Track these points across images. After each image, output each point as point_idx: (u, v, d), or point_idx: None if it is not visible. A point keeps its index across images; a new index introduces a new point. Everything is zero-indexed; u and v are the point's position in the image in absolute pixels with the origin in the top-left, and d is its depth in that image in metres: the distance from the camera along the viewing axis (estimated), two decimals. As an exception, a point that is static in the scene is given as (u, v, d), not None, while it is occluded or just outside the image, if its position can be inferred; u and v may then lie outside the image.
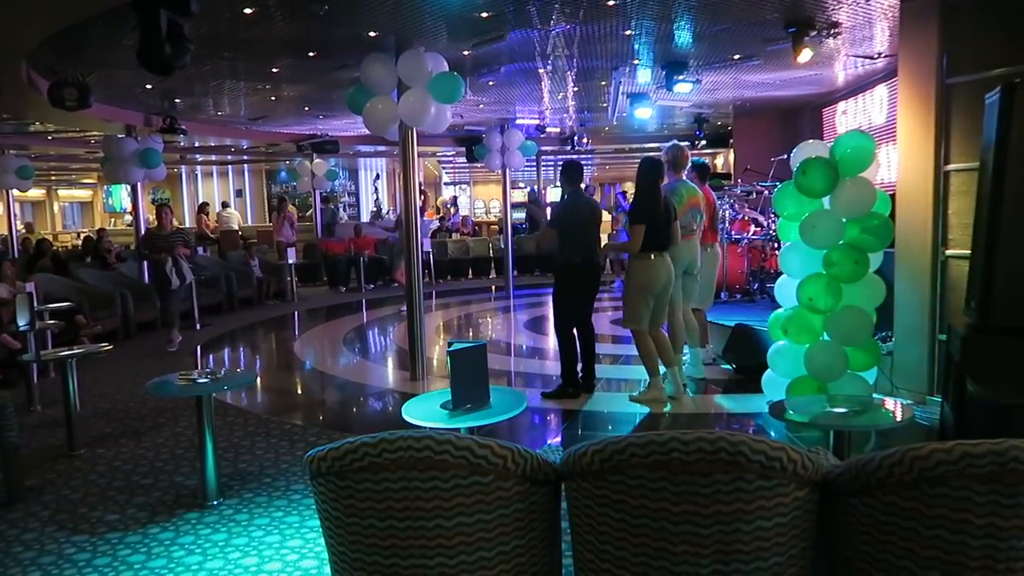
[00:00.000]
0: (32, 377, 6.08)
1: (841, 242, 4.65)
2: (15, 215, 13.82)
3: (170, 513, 3.88)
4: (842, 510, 1.76)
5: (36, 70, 7.50)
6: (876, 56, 7.95)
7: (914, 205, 5.22)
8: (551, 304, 5.98)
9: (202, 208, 17.62)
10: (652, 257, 5.26)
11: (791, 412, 3.23)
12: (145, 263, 9.87)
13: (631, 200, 5.52)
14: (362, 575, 1.98)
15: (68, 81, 7.30)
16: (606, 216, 14.76)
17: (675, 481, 1.71)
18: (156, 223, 9.27)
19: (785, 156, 6.24)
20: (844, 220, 4.66)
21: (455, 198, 20.55)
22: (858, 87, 9.82)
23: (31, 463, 4.65)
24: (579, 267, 5.69)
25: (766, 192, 9.04)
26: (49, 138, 13.76)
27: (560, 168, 6.12)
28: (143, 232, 9.83)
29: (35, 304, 6.04)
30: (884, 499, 1.66)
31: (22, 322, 5.79)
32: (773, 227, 8.17)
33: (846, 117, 10.38)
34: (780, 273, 5.18)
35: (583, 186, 6.26)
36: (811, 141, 5.13)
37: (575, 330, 5.80)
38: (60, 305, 7.47)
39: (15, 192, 13.25)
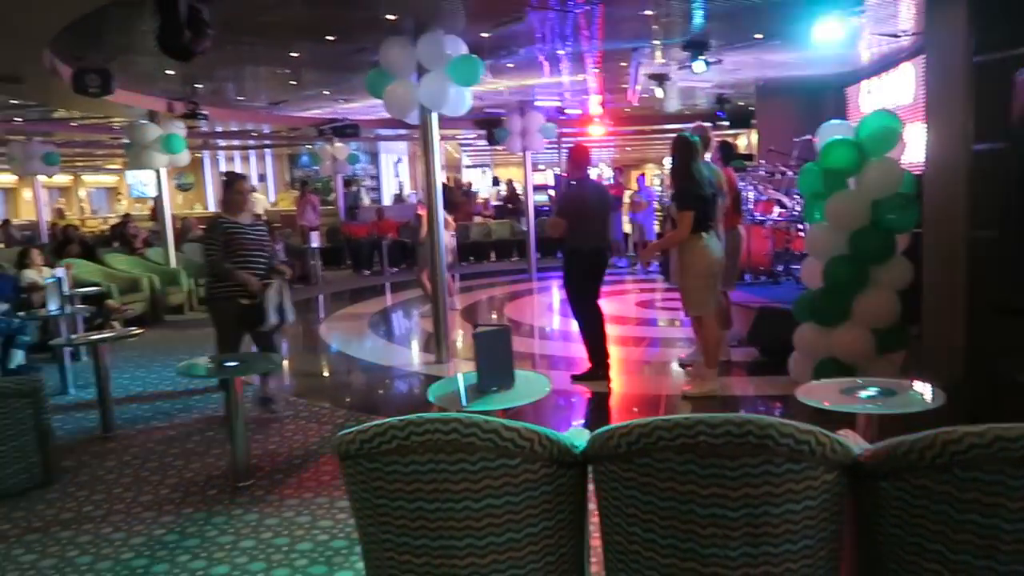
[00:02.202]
0: (65, 361, 6.20)
1: (867, 223, 4.60)
2: (43, 202, 14.03)
3: (202, 494, 3.96)
4: (872, 493, 1.76)
5: (59, 57, 7.58)
6: (901, 34, 7.81)
7: (942, 185, 5.13)
8: (564, 289, 5.94)
9: (225, 192, 17.74)
10: (704, 237, 5.11)
11: (817, 395, 3.21)
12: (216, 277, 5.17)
13: (674, 185, 5.31)
14: (391, 555, 2.01)
15: (91, 67, 7.40)
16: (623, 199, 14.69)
17: (703, 464, 1.72)
18: (225, 205, 5.28)
19: (809, 136, 6.17)
20: (870, 201, 4.60)
21: (502, 179, 20.46)
22: (883, 65, 9.65)
23: (67, 445, 4.75)
24: (587, 255, 5.64)
25: (790, 173, 8.96)
26: (73, 124, 13.93)
27: (567, 154, 6.03)
28: (210, 223, 5.30)
29: (65, 289, 6.17)
30: (915, 482, 1.66)
31: (53, 307, 5.91)
32: (798, 208, 8.10)
33: (871, 96, 10.22)
34: (805, 254, 5.13)
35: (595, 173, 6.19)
36: (836, 121, 5.06)
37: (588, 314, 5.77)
38: (90, 290, 7.60)
39: (42, 178, 13.43)
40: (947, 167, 5.10)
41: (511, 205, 18.08)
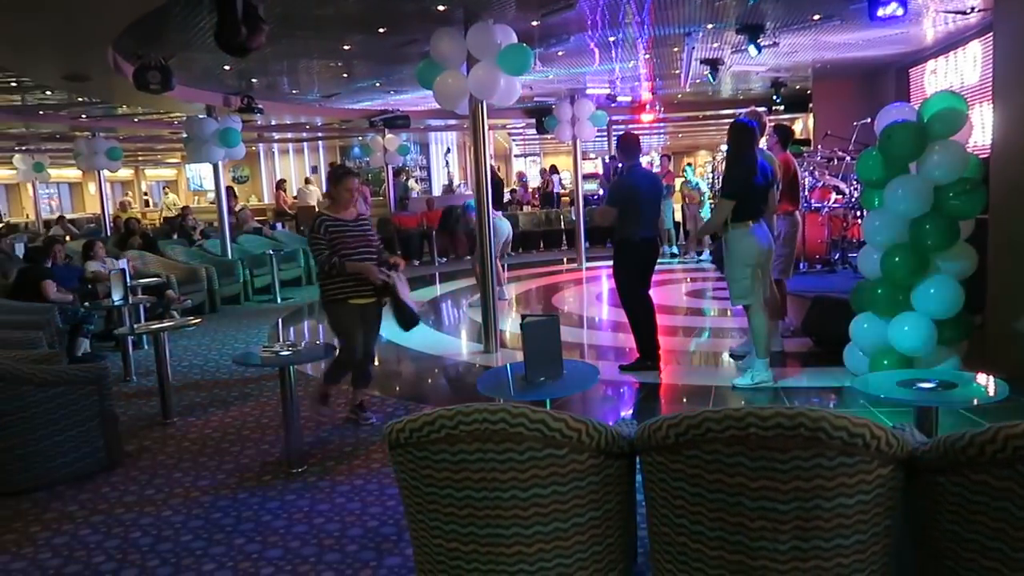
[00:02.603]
0: (128, 349, 6.41)
1: (929, 209, 4.45)
2: (107, 196, 14.52)
3: (257, 480, 4.06)
4: (929, 489, 1.71)
5: (121, 55, 7.80)
6: (969, 11, 7.51)
7: (1010, 169, 4.93)
8: (613, 280, 5.90)
9: (280, 185, 18.11)
10: (751, 225, 5.02)
11: (874, 387, 3.13)
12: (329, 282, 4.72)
13: (724, 171, 5.25)
14: (440, 543, 2.04)
15: (151, 65, 7.60)
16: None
17: (752, 456, 1.69)
18: (331, 201, 4.94)
19: (868, 120, 5.98)
20: (933, 186, 4.45)
21: (553, 167, 20.34)
22: (949, 44, 9.30)
23: (129, 430, 4.92)
24: (637, 244, 5.58)
25: (848, 158, 8.71)
26: (136, 120, 14.36)
27: (617, 142, 5.97)
28: (317, 221, 4.68)
29: (128, 280, 6.37)
30: (974, 478, 1.61)
31: (117, 297, 6.12)
32: (855, 195, 7.88)
33: (935, 77, 9.86)
34: (862, 243, 4.99)
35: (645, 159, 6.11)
36: (897, 104, 4.90)
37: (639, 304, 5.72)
38: (151, 280, 7.84)
39: (106, 172, 13.90)
40: (1016, 150, 4.89)
41: (537, 191, 18.02)
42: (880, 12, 6.09)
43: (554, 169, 19.09)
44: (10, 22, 5.87)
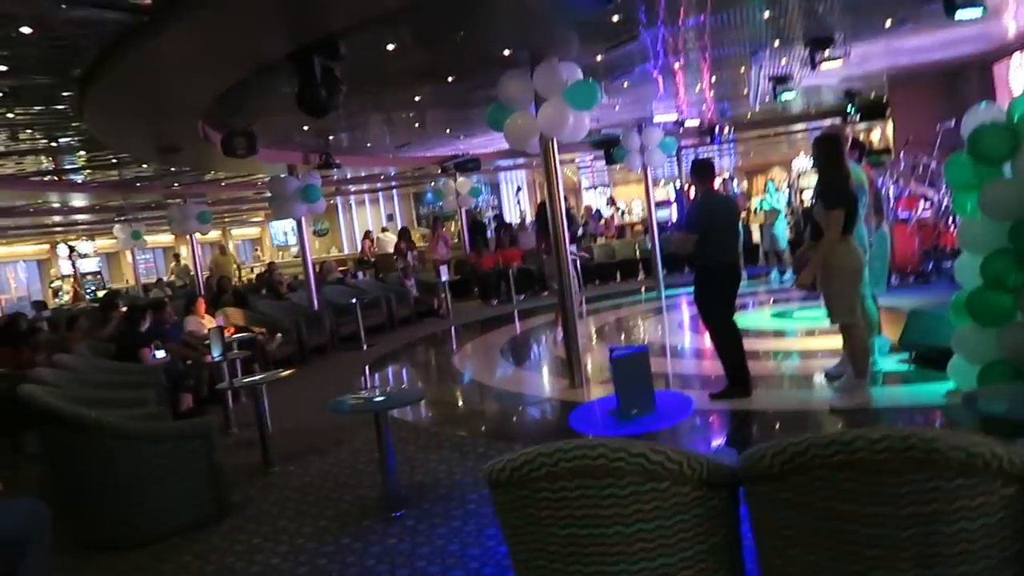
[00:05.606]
0: (228, 402, 6.68)
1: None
2: (199, 257, 15.26)
3: (358, 525, 4.14)
4: (1060, 508, 1.62)
5: (209, 125, 8.28)
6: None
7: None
8: (696, 306, 5.79)
9: (367, 235, 18.82)
10: (852, 239, 4.91)
11: (984, 403, 2.98)
12: None
13: (821, 183, 5.14)
14: (546, 582, 2.03)
15: (237, 131, 8.02)
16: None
17: (863, 482, 1.64)
18: None
19: (953, 123, 5.78)
20: (1031, 187, 4.24)
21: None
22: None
23: (233, 480, 5.09)
24: (719, 270, 5.50)
25: (934, 164, 8.41)
26: (223, 184, 15.14)
27: (690, 168, 5.93)
28: None
29: (224, 336, 6.67)
30: (1111, 495, 1.51)
31: (216, 353, 6.41)
32: (946, 200, 7.58)
33: (1023, 71, 9.45)
34: (958, 251, 4.78)
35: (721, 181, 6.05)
36: (984, 105, 4.71)
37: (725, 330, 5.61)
38: (245, 335, 8.17)
39: (197, 236, 14.65)
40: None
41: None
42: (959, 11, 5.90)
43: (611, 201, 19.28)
44: (113, 103, 6.34)
